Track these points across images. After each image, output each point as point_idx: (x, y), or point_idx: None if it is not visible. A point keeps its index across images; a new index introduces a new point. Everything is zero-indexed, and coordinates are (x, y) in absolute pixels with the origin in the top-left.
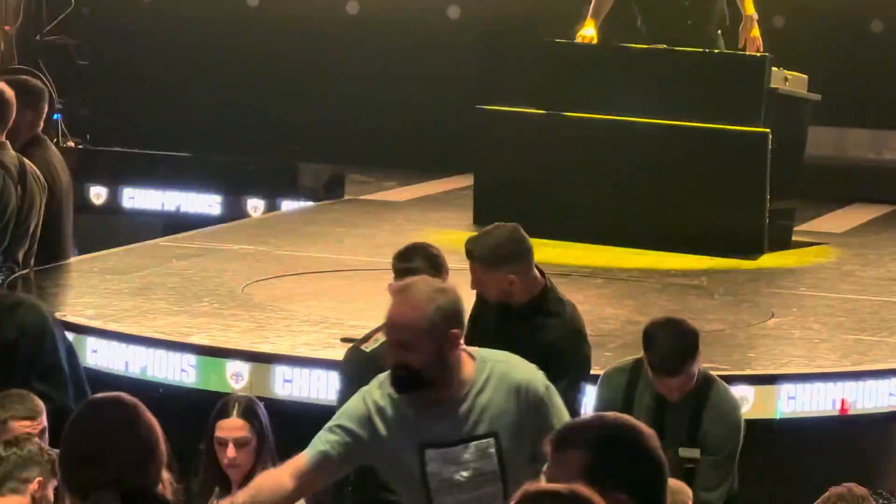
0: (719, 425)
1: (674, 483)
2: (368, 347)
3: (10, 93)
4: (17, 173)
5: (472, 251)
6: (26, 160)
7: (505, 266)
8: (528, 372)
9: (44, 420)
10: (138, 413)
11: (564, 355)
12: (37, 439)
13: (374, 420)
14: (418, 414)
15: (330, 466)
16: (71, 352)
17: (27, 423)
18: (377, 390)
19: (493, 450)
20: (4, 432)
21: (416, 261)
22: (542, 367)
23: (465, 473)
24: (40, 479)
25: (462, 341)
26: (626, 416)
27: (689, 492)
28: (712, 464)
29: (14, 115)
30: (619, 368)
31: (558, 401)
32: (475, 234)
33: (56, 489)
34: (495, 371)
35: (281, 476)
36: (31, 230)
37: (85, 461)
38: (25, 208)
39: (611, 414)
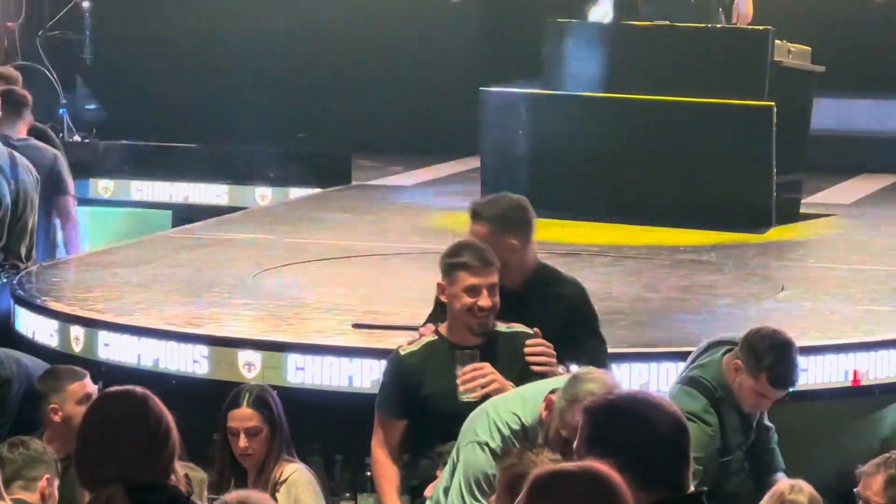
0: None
1: None
2: (404, 350)
3: None
4: (8, 168)
5: (482, 212)
6: (17, 154)
7: (510, 231)
8: None
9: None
10: (148, 406)
11: (587, 314)
12: (40, 441)
13: None
14: None
15: None
16: None
17: (83, 383)
18: None
19: None
20: (68, 397)
21: (465, 256)
22: (562, 334)
23: None
24: (48, 476)
25: None
26: (650, 393)
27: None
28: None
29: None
30: (698, 410)
31: None
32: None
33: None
34: None
35: None
36: (28, 225)
37: (94, 455)
38: (20, 203)
39: (636, 389)
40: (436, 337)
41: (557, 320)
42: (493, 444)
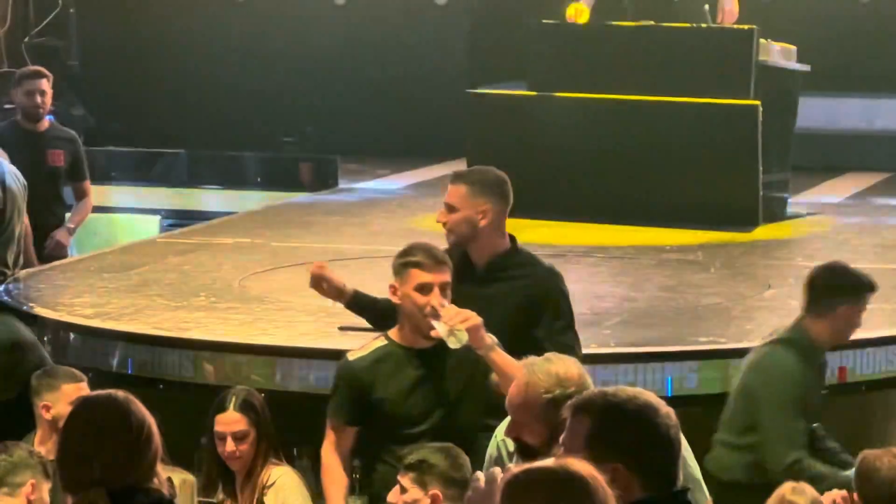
0: None
1: None
2: (353, 356)
3: None
4: None
5: (462, 174)
6: (4, 161)
7: (485, 195)
8: None
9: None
10: (130, 409)
11: (556, 297)
12: (26, 445)
13: None
14: None
15: None
16: None
17: (74, 386)
18: None
19: None
20: (61, 398)
21: (418, 255)
22: (528, 314)
23: None
24: (33, 481)
25: None
26: (644, 392)
27: None
28: None
29: None
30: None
31: None
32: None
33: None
34: None
35: None
36: (16, 232)
37: (74, 460)
38: (8, 210)
39: (630, 388)
40: (385, 342)
41: (521, 303)
42: None
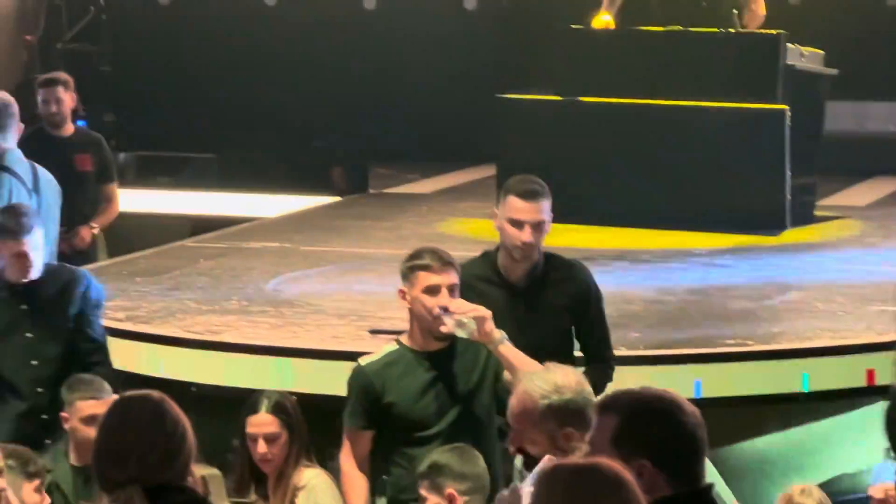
0: None
1: None
2: (364, 361)
3: (8, 99)
4: (30, 179)
5: (539, 187)
6: (38, 165)
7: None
8: None
9: (110, 401)
10: (164, 409)
11: (598, 296)
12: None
13: None
14: None
15: None
16: None
17: (93, 402)
18: None
19: None
20: (73, 412)
21: (425, 258)
22: (577, 313)
23: None
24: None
25: None
26: (670, 391)
27: None
28: None
29: (17, 122)
30: None
31: None
32: (516, 180)
33: None
34: None
35: None
36: (50, 237)
37: (110, 458)
38: (42, 214)
39: (656, 388)
40: (397, 346)
41: (567, 304)
42: None
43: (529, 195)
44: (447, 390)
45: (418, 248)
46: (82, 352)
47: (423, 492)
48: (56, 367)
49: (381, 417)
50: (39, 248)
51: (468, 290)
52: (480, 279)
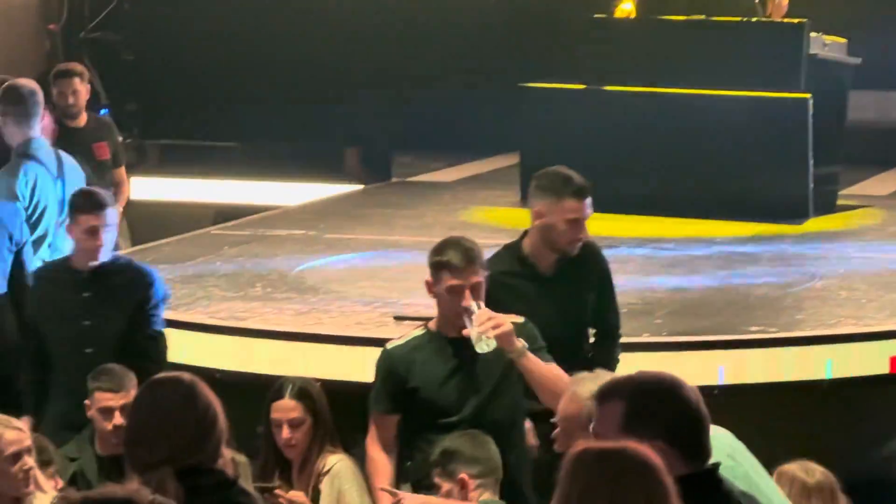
0: None
1: None
2: (391, 345)
3: (34, 87)
4: (55, 168)
5: (587, 188)
6: (63, 153)
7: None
8: None
9: (130, 394)
10: (195, 391)
11: (607, 267)
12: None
13: None
14: None
15: None
16: None
17: (110, 395)
18: None
19: None
20: (93, 402)
21: (449, 254)
22: (599, 289)
23: None
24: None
25: None
26: (665, 372)
27: None
28: None
29: (41, 110)
30: None
31: None
32: (562, 178)
33: None
34: None
35: None
36: None
37: (141, 441)
38: (67, 203)
39: (650, 371)
40: (424, 330)
41: (594, 283)
42: None
43: (584, 193)
44: (471, 378)
45: (445, 240)
46: (139, 345)
47: (436, 479)
48: (109, 357)
49: (406, 402)
50: (111, 230)
51: (497, 286)
52: (507, 274)
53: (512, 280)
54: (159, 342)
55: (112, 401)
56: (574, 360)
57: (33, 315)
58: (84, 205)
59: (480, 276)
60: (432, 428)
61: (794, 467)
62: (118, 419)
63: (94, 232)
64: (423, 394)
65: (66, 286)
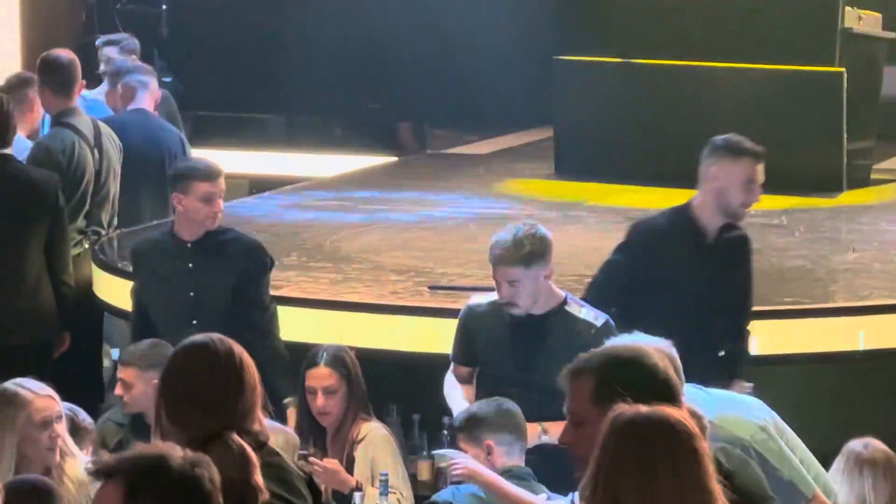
0: None
1: None
2: (474, 301)
3: (71, 57)
4: (92, 137)
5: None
6: (101, 122)
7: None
8: None
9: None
10: (227, 351)
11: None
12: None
13: None
14: None
15: None
16: None
17: (129, 371)
18: None
19: None
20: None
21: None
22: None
23: None
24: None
25: None
26: (633, 343)
27: None
28: None
29: (79, 80)
30: None
31: None
32: (731, 137)
33: None
34: None
35: None
36: (111, 193)
37: (173, 402)
38: (104, 172)
39: (619, 343)
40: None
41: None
42: None
43: (760, 157)
44: (527, 356)
45: (498, 236)
46: (246, 317)
47: (461, 444)
48: (215, 328)
49: (474, 359)
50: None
51: (652, 244)
52: (672, 231)
53: (672, 239)
54: (267, 312)
55: (129, 376)
56: (717, 331)
57: (137, 287)
58: (201, 173)
59: (520, 273)
60: (490, 393)
61: (857, 445)
62: (119, 389)
63: (210, 199)
64: (482, 357)
65: (170, 257)
